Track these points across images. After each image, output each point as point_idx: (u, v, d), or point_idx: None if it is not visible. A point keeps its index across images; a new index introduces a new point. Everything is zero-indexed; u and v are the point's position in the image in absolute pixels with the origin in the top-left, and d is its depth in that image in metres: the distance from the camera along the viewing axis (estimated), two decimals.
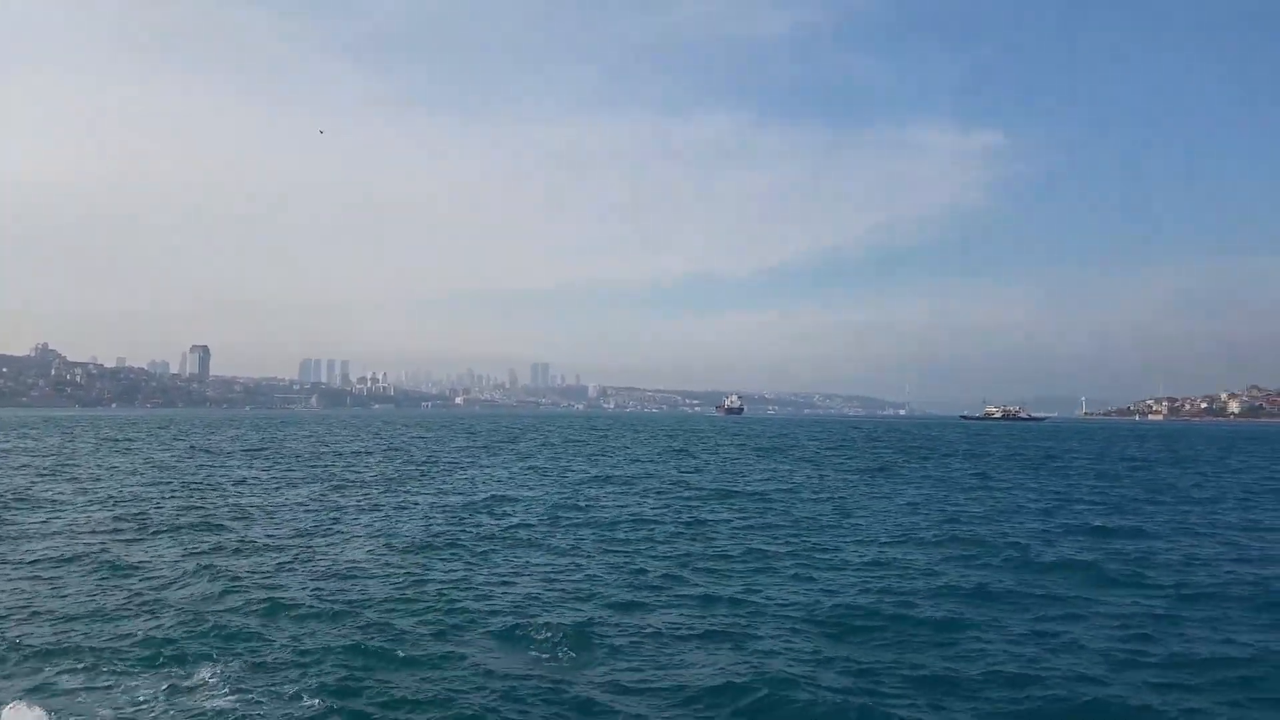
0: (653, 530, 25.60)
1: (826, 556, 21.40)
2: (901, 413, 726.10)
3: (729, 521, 27.47)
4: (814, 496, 35.47)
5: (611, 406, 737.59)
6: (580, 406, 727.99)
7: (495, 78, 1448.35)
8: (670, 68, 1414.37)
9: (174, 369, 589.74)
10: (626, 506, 31.33)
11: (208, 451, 62.97)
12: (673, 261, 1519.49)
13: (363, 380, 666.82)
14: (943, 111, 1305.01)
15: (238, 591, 16.81)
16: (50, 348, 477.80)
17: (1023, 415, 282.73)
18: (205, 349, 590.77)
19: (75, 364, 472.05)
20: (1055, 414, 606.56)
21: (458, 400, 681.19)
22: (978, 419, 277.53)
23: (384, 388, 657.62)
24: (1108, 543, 23.71)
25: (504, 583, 18.03)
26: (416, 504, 31.28)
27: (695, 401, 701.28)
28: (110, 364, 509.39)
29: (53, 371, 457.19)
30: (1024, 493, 37.80)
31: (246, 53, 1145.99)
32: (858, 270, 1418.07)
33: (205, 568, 19.00)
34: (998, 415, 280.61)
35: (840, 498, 34.93)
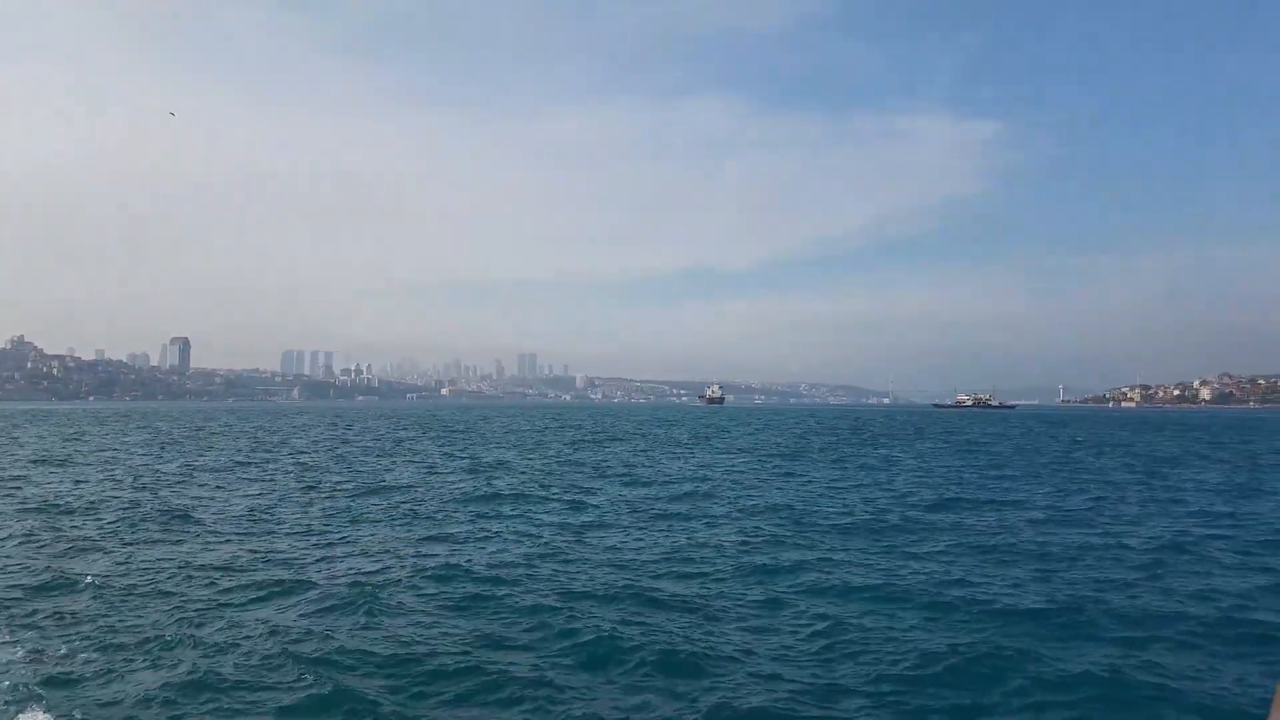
0: (537, 506, 27.92)
1: (677, 522, 23.42)
2: (885, 402, 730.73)
3: (598, 498, 29.40)
4: (702, 476, 37.57)
5: (599, 397, 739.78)
6: (568, 397, 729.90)
7: (490, 69, 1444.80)
8: (668, 58, 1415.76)
9: (154, 361, 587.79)
10: (521, 488, 33.14)
11: (144, 442, 64.49)
12: (668, 252, 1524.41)
13: (346, 372, 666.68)
14: (939, 101, 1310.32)
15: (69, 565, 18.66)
16: (26, 340, 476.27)
17: (993, 403, 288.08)
18: (185, 341, 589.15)
19: (52, 356, 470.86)
20: (1036, 401, 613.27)
21: (443, 391, 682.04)
22: (950, 407, 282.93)
23: (368, 379, 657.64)
24: (929, 515, 25.77)
25: (340, 554, 19.91)
26: (316, 489, 33.02)
27: (683, 392, 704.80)
28: (88, 356, 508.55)
29: (29, 364, 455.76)
30: (906, 475, 39.88)
31: (238, 45, 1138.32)
32: (855, 261, 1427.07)
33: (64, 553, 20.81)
34: (969, 403, 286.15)
35: (731, 480, 37.06)
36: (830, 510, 27.06)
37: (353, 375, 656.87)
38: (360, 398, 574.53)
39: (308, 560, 18.93)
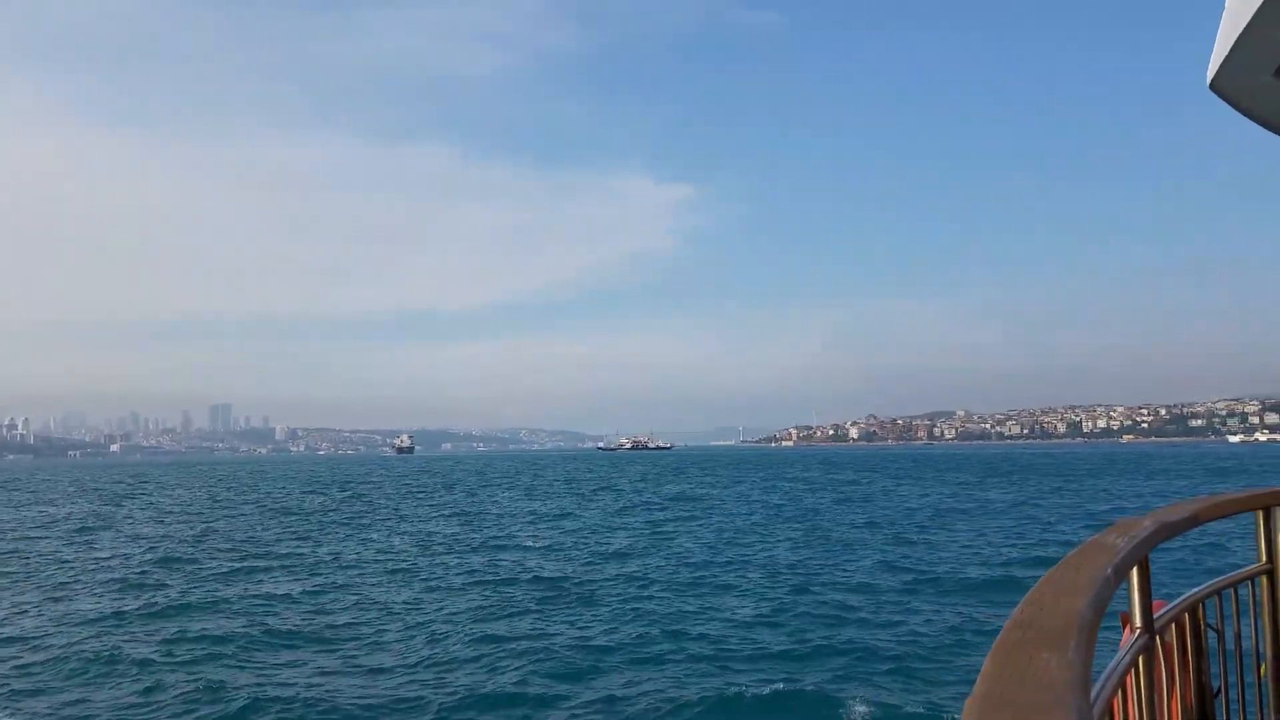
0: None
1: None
2: (600, 445, 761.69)
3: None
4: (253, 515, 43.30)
5: (301, 449, 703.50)
6: (264, 450, 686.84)
7: (182, 86, 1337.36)
8: (383, 96, 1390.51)
9: None
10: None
11: None
12: (384, 293, 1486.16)
13: None
14: (641, 162, 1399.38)
15: None
16: None
17: (650, 445, 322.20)
18: None
19: None
20: (732, 441, 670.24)
21: (113, 448, 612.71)
22: (612, 450, 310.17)
23: (21, 435, 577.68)
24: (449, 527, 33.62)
25: None
26: None
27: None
28: None
29: None
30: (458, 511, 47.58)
31: None
32: (570, 308, 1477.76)
33: None
34: (628, 446, 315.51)
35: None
36: None
37: (4, 431, 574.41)
38: (10, 456, 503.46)
39: None
